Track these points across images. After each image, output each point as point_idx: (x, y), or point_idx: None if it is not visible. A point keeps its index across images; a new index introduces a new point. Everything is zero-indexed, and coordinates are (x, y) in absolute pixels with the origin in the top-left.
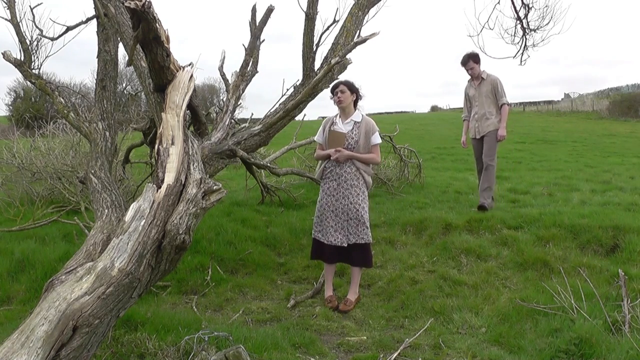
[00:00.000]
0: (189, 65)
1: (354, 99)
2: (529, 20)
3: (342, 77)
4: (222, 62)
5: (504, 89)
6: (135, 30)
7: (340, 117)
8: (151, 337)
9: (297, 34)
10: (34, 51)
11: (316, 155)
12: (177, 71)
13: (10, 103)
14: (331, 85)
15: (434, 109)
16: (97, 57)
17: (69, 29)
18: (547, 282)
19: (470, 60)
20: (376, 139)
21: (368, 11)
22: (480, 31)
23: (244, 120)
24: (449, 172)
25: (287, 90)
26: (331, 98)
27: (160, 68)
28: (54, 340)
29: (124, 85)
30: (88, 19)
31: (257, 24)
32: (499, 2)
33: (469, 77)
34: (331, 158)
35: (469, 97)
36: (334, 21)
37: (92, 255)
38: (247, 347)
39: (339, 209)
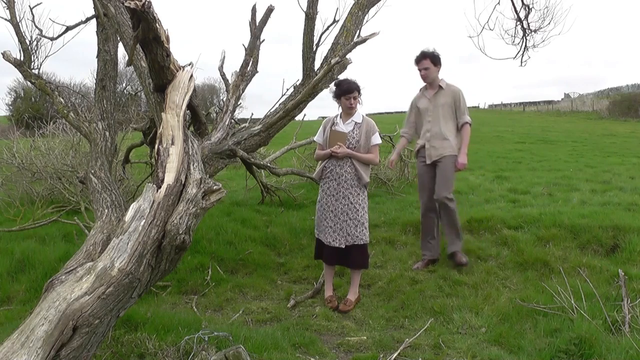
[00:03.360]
0: (189, 65)
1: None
2: (529, 21)
3: (342, 77)
4: (222, 62)
5: (466, 104)
6: (135, 30)
7: (341, 117)
8: (151, 337)
9: (297, 35)
10: (34, 51)
11: (316, 155)
12: (177, 71)
13: (10, 103)
14: (337, 86)
15: None
16: (97, 57)
17: (68, 28)
18: (547, 282)
19: (428, 60)
20: (376, 139)
21: (368, 11)
22: (481, 32)
23: (244, 120)
24: None
25: (287, 90)
26: (333, 97)
27: (160, 68)
28: (54, 340)
29: (124, 85)
30: (88, 19)
31: (257, 23)
32: (499, 3)
33: (423, 83)
34: (331, 153)
35: (418, 110)
36: (334, 21)
37: (92, 255)
38: (247, 347)
39: (339, 209)
